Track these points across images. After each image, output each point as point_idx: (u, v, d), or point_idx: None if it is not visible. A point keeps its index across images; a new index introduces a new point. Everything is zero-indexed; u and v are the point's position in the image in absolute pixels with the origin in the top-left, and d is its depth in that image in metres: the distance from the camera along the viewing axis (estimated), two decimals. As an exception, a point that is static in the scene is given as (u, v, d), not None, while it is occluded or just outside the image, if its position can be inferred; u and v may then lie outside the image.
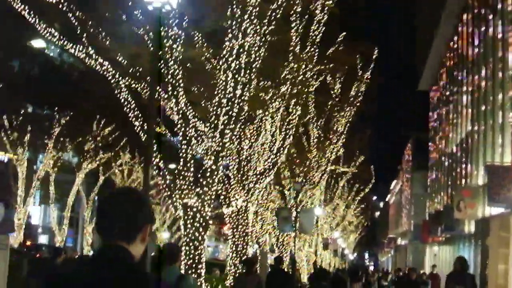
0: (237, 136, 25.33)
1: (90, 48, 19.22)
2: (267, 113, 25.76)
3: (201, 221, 17.89)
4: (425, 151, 62.72)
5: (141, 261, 3.80)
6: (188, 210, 17.95)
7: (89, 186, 61.65)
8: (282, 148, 25.69)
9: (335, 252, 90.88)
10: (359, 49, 35.34)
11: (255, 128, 26.07)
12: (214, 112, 18.33)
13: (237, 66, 18.27)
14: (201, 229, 17.88)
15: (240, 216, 25.30)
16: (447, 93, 45.88)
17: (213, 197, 18.26)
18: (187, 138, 18.26)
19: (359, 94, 38.60)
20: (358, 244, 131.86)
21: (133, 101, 19.19)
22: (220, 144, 18.19)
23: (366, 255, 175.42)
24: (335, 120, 38.91)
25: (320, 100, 37.55)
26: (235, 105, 18.43)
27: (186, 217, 17.96)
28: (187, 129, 18.30)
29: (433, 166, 55.34)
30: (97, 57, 19.36)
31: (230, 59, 18.26)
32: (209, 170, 18.10)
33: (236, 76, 18.27)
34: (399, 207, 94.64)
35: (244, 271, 18.56)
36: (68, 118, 46.45)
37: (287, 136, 25.95)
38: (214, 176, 18.10)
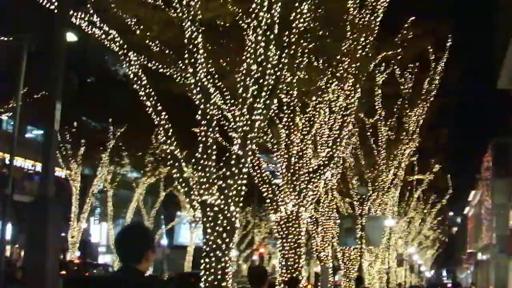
0: (286, 127, 21.11)
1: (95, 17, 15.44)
2: (321, 99, 21.34)
3: (224, 224, 13.53)
4: (507, 156, 57.31)
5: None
6: (208, 210, 13.62)
7: (152, 203, 58.62)
8: (339, 139, 21.17)
9: (411, 269, 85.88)
10: (430, 29, 30.65)
11: (307, 118, 21.64)
12: (242, 83, 14.01)
13: (269, 20, 13.90)
14: (224, 235, 13.51)
15: (291, 224, 20.85)
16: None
17: (241, 193, 13.83)
18: (208, 117, 13.96)
19: (433, 87, 34.03)
20: (435, 260, 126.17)
21: (143, 76, 15.12)
22: (249, 122, 13.76)
23: (444, 272, 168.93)
24: (407, 118, 34.41)
25: (388, 95, 33.25)
26: (268, 70, 13.98)
27: (205, 219, 13.63)
28: (208, 105, 14.00)
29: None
30: (102, 25, 15.48)
31: (261, 13, 13.94)
32: (234, 156, 13.73)
33: (268, 33, 13.90)
34: (478, 220, 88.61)
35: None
36: (123, 130, 43.09)
37: (345, 124, 21.42)
38: (241, 165, 13.70)
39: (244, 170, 13.78)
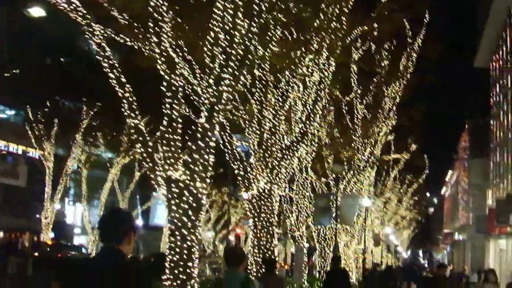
0: (258, 102, 20.41)
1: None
2: (295, 74, 20.64)
3: (190, 201, 12.86)
4: (484, 136, 56.98)
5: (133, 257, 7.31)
6: (173, 185, 12.95)
7: (127, 183, 57.81)
8: (313, 115, 20.51)
9: (388, 249, 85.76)
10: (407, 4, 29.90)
11: (280, 93, 20.91)
12: (209, 53, 13.29)
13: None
14: (190, 212, 12.84)
15: (263, 202, 20.19)
16: (510, 64, 40.37)
17: (208, 168, 13.14)
18: (173, 88, 13.27)
19: (410, 63, 33.32)
20: (412, 240, 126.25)
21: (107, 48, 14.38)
22: (216, 93, 13.06)
23: (420, 253, 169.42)
24: (384, 95, 33.70)
25: (365, 71, 32.59)
26: (236, 39, 13.27)
27: (170, 196, 12.95)
28: (173, 76, 13.30)
29: (497, 148, 49.60)
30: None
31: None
32: (200, 129, 13.04)
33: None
34: (455, 200, 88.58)
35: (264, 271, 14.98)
36: (98, 110, 42.38)
37: (319, 99, 20.76)
38: (208, 139, 13.01)
39: (212, 144, 13.11)
